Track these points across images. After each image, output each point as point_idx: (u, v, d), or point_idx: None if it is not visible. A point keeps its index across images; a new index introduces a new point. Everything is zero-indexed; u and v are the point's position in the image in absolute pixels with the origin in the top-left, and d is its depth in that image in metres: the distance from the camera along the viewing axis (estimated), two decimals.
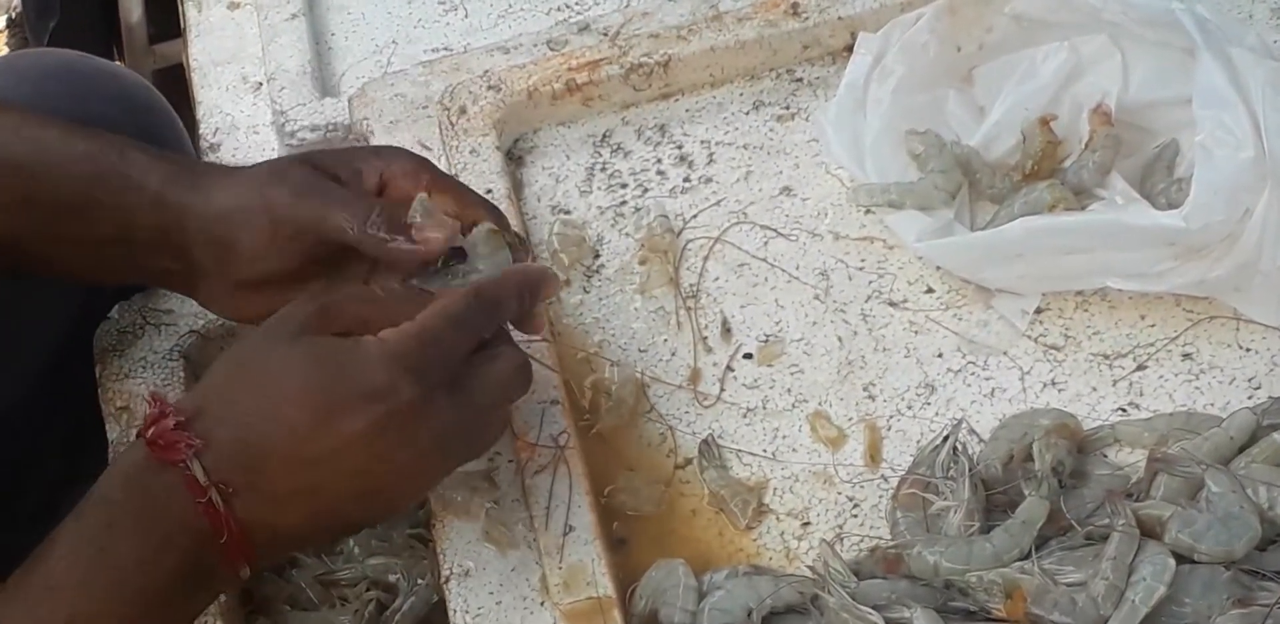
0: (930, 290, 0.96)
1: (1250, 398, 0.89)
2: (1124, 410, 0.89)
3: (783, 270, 0.99)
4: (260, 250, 0.82)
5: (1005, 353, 0.93)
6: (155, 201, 0.82)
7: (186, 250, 0.83)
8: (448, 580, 0.84)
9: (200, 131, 1.17)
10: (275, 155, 1.13)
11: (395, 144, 1.01)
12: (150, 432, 0.70)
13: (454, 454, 0.75)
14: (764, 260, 1.00)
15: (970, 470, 0.83)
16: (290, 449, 0.70)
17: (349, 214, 0.80)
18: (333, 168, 0.83)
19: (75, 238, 0.84)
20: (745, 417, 0.93)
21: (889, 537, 0.85)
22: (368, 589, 0.94)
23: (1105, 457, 0.87)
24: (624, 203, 1.04)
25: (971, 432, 0.89)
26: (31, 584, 0.69)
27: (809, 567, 0.84)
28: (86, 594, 0.69)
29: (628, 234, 1.02)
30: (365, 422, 0.70)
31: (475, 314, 0.75)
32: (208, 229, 0.82)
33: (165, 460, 0.69)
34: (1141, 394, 0.90)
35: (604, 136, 1.08)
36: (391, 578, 0.94)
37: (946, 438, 0.86)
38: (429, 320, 0.73)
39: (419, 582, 0.93)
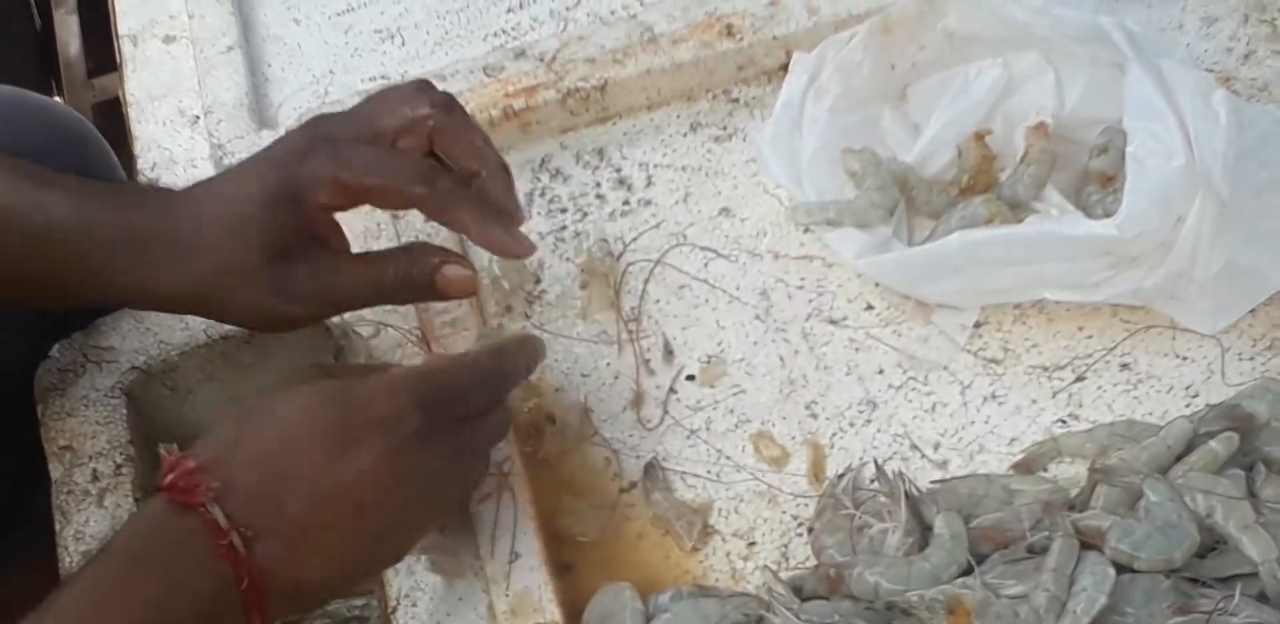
0: (870, 307, 0.97)
1: (1188, 406, 0.89)
2: (1064, 422, 0.90)
3: (723, 291, 0.99)
4: None
5: (946, 367, 0.93)
6: (80, 255, 0.81)
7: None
8: (394, 610, 0.84)
9: (138, 166, 1.15)
10: None
11: None
12: (169, 478, 0.69)
13: (444, 496, 0.77)
14: (704, 281, 1.00)
15: (904, 489, 0.83)
16: (311, 487, 0.70)
17: None
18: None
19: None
20: (689, 438, 0.93)
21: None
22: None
23: (1046, 471, 0.88)
24: (564, 228, 1.04)
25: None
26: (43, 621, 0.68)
27: (753, 592, 0.84)
28: None
29: (569, 259, 1.02)
30: (379, 449, 0.71)
31: (493, 375, 0.79)
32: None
33: (186, 504, 0.69)
34: (1081, 405, 0.91)
35: (543, 162, 1.08)
36: (332, 607, 0.94)
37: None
38: (445, 364, 0.77)
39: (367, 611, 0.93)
